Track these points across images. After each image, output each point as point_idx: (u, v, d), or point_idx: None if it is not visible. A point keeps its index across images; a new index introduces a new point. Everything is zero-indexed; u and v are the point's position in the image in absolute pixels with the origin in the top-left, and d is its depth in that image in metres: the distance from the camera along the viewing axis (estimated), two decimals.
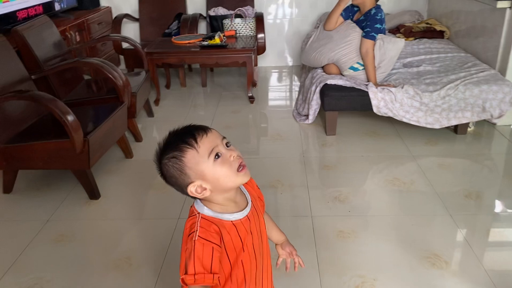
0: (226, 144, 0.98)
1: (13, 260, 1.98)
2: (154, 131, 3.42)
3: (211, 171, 0.95)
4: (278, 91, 4.34)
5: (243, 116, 3.63)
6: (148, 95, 3.53)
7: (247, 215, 1.02)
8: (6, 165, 2.41)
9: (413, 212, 2.24)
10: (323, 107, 3.14)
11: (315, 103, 3.19)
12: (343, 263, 1.90)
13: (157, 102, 3.88)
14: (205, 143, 0.95)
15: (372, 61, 3.03)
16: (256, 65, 4.16)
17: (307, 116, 3.34)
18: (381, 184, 2.52)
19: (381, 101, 2.93)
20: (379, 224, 2.16)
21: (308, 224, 2.17)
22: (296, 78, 4.59)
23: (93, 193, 2.44)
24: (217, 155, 0.95)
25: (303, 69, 3.90)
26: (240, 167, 0.96)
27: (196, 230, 0.93)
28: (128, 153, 2.91)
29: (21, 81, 2.63)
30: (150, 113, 3.63)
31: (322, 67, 3.34)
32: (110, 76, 2.74)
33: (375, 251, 1.97)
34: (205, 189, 0.97)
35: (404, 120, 2.96)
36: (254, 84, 4.04)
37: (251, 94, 3.88)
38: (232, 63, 3.86)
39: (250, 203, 1.05)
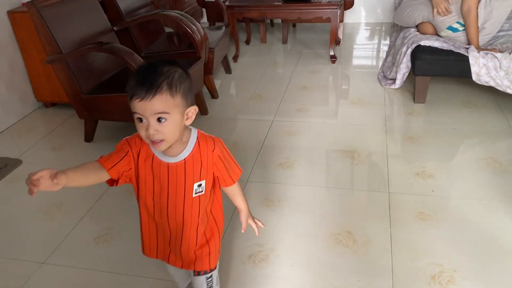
0: (159, 119, 0.98)
1: (88, 208, 2.07)
2: (231, 88, 3.36)
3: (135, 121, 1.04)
4: (364, 50, 4.04)
5: (322, 77, 3.43)
6: (227, 51, 3.45)
7: (168, 163, 1.09)
8: (87, 115, 2.49)
9: (509, 199, 1.97)
10: (413, 71, 2.84)
11: (404, 66, 2.90)
12: (419, 248, 1.72)
13: (235, 58, 3.80)
14: (134, 105, 0.97)
15: (475, 20, 2.64)
16: (341, 21, 3.87)
17: (394, 80, 3.06)
18: (472, 162, 2.24)
19: (482, 67, 2.57)
20: (466, 209, 1.92)
21: (384, 200, 1.99)
22: (385, 37, 4.23)
23: None
24: (140, 120, 0.99)
25: (394, 28, 3.56)
26: (153, 142, 1.01)
27: (128, 137, 1.12)
28: (203, 110, 2.88)
29: (103, 33, 2.66)
30: (228, 70, 3.56)
31: (416, 26, 3.00)
32: (188, 30, 2.67)
33: (458, 239, 1.76)
34: None
35: (509, 91, 2.58)
36: (337, 42, 3.78)
37: (333, 53, 3.64)
38: (316, 18, 3.62)
39: (180, 158, 1.09)
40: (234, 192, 1.27)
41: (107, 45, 2.27)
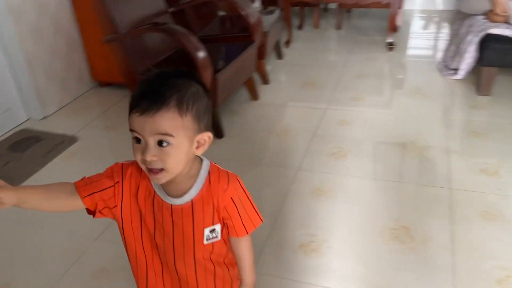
0: (160, 142, 0.77)
1: None
2: (282, 74, 3.30)
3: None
4: (422, 38, 3.85)
5: (378, 65, 3.30)
6: (279, 36, 3.38)
7: (171, 205, 0.87)
8: None
9: None
10: (480, 61, 2.67)
11: (469, 55, 2.72)
12: (483, 249, 1.61)
13: (287, 43, 3.72)
14: (133, 120, 0.78)
15: None
16: (401, 7, 3.70)
17: (456, 70, 2.88)
18: None
19: None
20: None
21: (445, 196, 1.88)
22: (446, 25, 4.00)
23: (218, 132, 2.44)
24: (137, 140, 0.79)
25: (457, 16, 3.35)
26: (151, 170, 0.80)
27: (125, 162, 0.90)
28: (254, 95, 2.84)
29: (159, 14, 2.66)
30: (279, 55, 3.49)
31: (485, 13, 2.80)
32: (243, 13, 2.62)
33: None
34: None
35: None
36: (395, 29, 3.62)
37: (391, 40, 3.48)
38: (374, 3, 3.47)
39: (185, 200, 0.87)
40: (242, 248, 0.98)
41: (163, 25, 2.27)
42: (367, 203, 1.88)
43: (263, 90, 2.97)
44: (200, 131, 0.82)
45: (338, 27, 4.07)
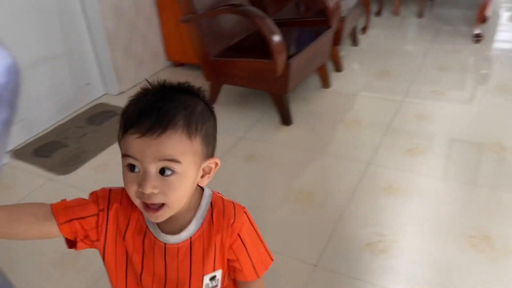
0: (162, 170, 0.64)
1: None
2: (356, 62, 3.17)
3: (122, 170, 0.68)
4: None
5: (462, 57, 3.07)
6: (357, 22, 3.24)
7: (165, 244, 0.73)
8: (213, 77, 2.52)
9: None
10: None
11: None
12: None
13: (364, 30, 3.56)
14: (129, 143, 0.64)
15: None
16: None
17: None
18: None
19: None
20: None
21: None
22: None
23: (286, 119, 2.40)
24: (131, 167, 0.65)
25: None
26: (149, 206, 0.67)
27: (114, 189, 0.75)
28: (325, 83, 2.76)
29: None
30: (354, 42, 3.36)
31: None
32: None
33: None
34: None
35: None
36: (484, 20, 3.34)
37: (478, 32, 3.22)
38: None
39: (183, 238, 0.73)
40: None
41: (241, 7, 2.24)
42: (443, 206, 1.76)
43: (335, 78, 2.87)
44: (208, 156, 0.70)
45: (420, 15, 3.83)
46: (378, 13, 3.93)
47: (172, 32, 3.03)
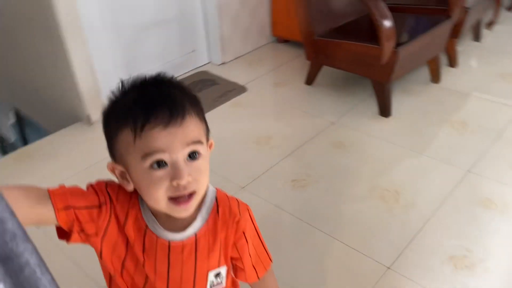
0: (190, 154, 0.62)
1: (293, 149, 2.08)
2: (474, 59, 2.87)
3: (137, 175, 0.63)
4: None
5: None
6: (483, 15, 2.92)
7: (169, 241, 0.69)
8: (314, 57, 2.46)
9: None
10: None
11: None
12: None
13: (490, 24, 3.20)
14: (152, 138, 0.60)
15: None
16: None
17: None
18: None
19: None
20: None
21: None
22: None
23: (384, 110, 2.27)
24: (158, 164, 0.61)
25: None
26: (180, 199, 0.63)
27: (109, 183, 0.70)
28: (435, 77, 2.55)
29: None
30: (476, 37, 3.04)
31: None
32: None
33: None
34: (128, 181, 0.67)
35: None
36: None
37: None
38: None
39: (188, 234, 0.70)
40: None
41: None
42: None
43: (447, 73, 2.63)
44: (208, 134, 0.69)
45: None
46: (511, 8, 3.50)
47: (282, 7, 3.00)
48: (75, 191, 0.66)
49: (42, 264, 0.44)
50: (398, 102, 2.35)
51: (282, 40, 3.19)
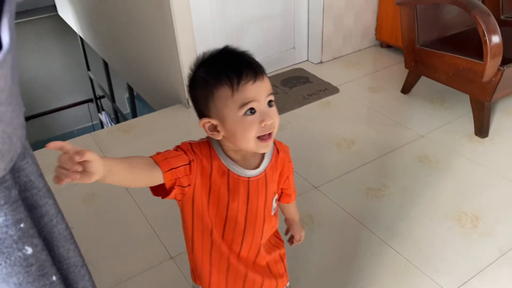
0: (269, 102, 0.81)
1: (376, 156, 2.06)
2: None
3: (233, 122, 0.80)
4: None
5: None
6: None
7: (248, 177, 0.87)
8: (414, 66, 2.39)
9: None
10: None
11: None
12: None
13: None
14: (247, 90, 0.78)
15: None
16: None
17: None
18: None
19: None
20: None
21: None
22: None
23: (481, 130, 2.14)
24: (251, 111, 0.79)
25: None
26: (265, 136, 0.81)
27: (192, 142, 0.86)
28: None
29: None
30: None
31: None
32: None
33: None
34: (218, 131, 0.82)
35: None
36: None
37: None
38: None
39: (261, 169, 0.88)
40: (293, 206, 1.08)
41: None
42: None
43: None
44: None
45: None
46: None
47: (388, 11, 2.94)
48: (171, 154, 0.82)
49: (60, 216, 0.58)
50: (497, 123, 2.20)
51: (385, 44, 3.12)
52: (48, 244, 0.57)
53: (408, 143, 2.14)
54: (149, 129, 2.42)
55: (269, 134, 0.81)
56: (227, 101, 0.78)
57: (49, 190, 0.59)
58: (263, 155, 0.89)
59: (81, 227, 1.74)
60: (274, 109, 0.82)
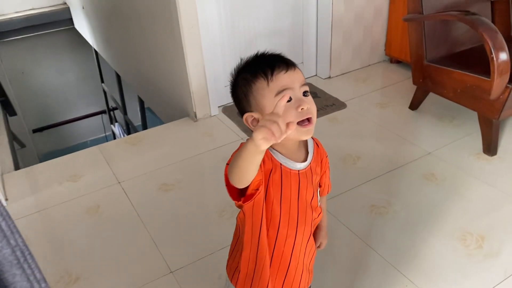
0: (304, 92, 0.85)
1: (380, 174, 2.04)
2: None
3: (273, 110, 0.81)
4: None
5: None
6: None
7: (298, 170, 0.90)
8: (422, 83, 2.37)
9: None
10: None
11: None
12: None
13: None
14: (280, 79, 0.84)
15: None
16: None
17: None
18: None
19: None
20: None
21: None
22: None
23: (489, 147, 2.10)
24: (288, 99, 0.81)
25: None
26: (305, 122, 0.83)
27: None
28: None
29: (478, 0, 2.38)
30: None
31: None
32: None
33: None
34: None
35: None
36: None
37: None
38: None
39: (308, 162, 0.92)
40: (323, 203, 1.08)
41: (471, 16, 2.01)
42: None
43: None
44: None
45: None
46: None
47: (398, 27, 2.94)
48: None
49: (5, 241, 0.60)
50: (507, 141, 2.16)
51: (394, 60, 3.11)
52: None
53: (414, 160, 2.12)
54: (156, 142, 2.44)
55: (309, 120, 0.84)
56: (264, 91, 0.84)
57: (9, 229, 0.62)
58: (307, 148, 0.94)
59: (82, 239, 1.75)
60: (310, 98, 0.86)
